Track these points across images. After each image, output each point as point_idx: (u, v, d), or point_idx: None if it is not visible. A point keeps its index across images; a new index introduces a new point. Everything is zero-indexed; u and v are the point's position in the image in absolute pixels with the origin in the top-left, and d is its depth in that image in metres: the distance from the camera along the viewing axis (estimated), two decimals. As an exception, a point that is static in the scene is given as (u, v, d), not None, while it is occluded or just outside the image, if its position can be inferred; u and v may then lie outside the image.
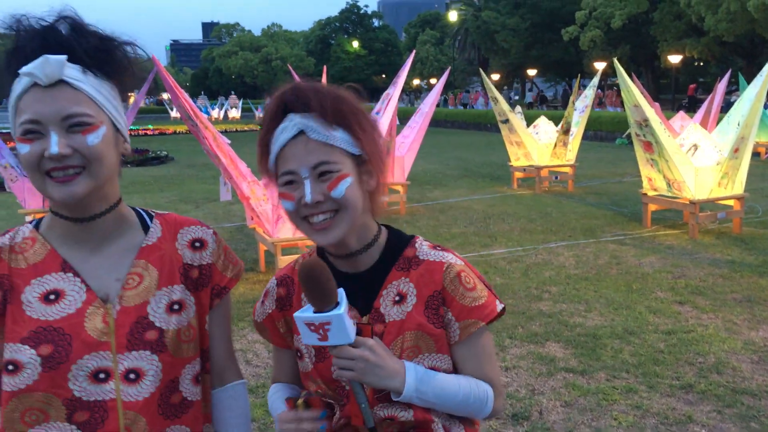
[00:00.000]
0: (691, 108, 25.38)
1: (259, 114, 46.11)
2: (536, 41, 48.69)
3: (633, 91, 7.63)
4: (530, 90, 49.66)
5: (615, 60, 8.53)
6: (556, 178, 12.10)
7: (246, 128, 34.46)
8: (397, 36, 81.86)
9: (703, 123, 10.07)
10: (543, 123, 12.57)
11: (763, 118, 14.34)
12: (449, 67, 12.16)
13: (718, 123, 9.23)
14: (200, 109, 5.95)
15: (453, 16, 59.31)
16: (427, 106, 10.58)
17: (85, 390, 1.22)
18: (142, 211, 1.38)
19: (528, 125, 12.66)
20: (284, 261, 6.02)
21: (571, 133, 11.62)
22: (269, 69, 77.51)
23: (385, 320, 1.35)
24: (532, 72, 49.39)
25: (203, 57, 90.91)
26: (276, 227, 6.17)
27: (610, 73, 32.59)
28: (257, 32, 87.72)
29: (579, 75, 15.16)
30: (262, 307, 1.48)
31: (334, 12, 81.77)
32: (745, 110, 7.58)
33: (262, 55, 78.43)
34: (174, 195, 12.26)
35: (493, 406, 1.39)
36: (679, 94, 38.82)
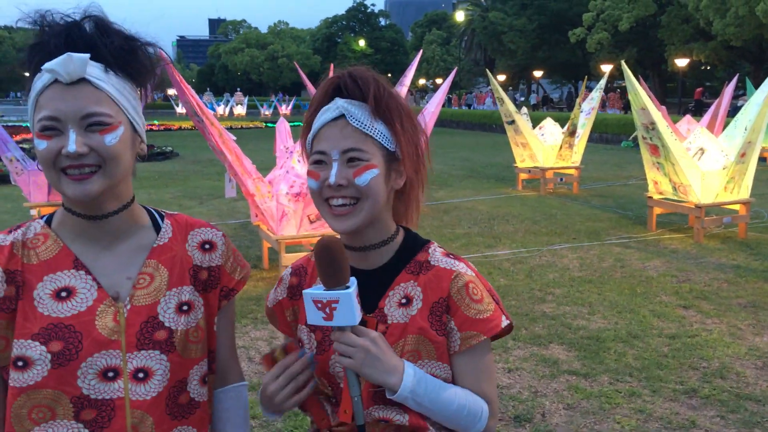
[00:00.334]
0: (698, 112, 25.31)
1: (264, 111, 46.19)
2: (543, 43, 48.65)
3: (640, 94, 7.60)
4: (534, 92, 49.57)
5: (623, 62, 8.50)
6: (561, 179, 12.07)
7: (251, 125, 34.52)
8: (403, 35, 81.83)
9: (710, 127, 10.04)
10: (549, 124, 12.56)
11: (770, 123, 14.28)
12: (455, 68, 12.14)
13: (724, 127, 9.19)
14: (206, 105, 5.95)
15: (460, 16, 59.22)
16: (433, 105, 10.56)
17: (93, 388, 1.22)
18: (153, 211, 1.39)
19: (533, 127, 12.64)
20: (288, 258, 6.02)
21: (576, 135, 11.60)
22: (275, 66, 77.58)
23: (388, 321, 1.34)
24: (538, 73, 49.35)
25: (209, 53, 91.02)
26: (280, 224, 6.16)
27: (616, 75, 32.57)
28: (264, 29, 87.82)
29: (585, 77, 15.12)
30: (274, 294, 1.49)
31: (341, 10, 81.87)
32: (752, 115, 7.54)
33: (269, 53, 78.47)
34: (178, 191, 12.28)
35: (486, 424, 1.35)
36: (685, 98, 38.71)
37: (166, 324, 1.27)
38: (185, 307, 1.31)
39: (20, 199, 9.28)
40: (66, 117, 1.16)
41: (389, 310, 1.35)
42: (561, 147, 11.55)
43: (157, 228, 1.35)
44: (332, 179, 1.28)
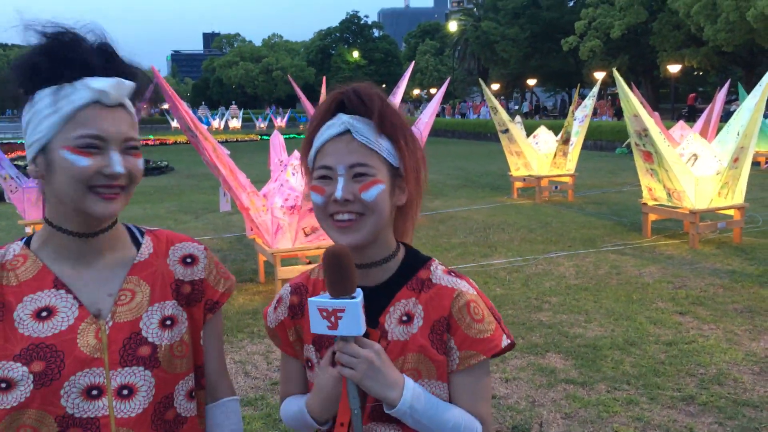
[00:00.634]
0: (691, 117, 25.43)
1: (259, 124, 46.24)
2: (536, 51, 48.87)
3: (632, 101, 7.64)
4: (526, 100, 49.72)
5: (614, 70, 8.55)
6: (556, 188, 12.10)
7: (247, 138, 34.54)
8: (397, 46, 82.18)
9: (703, 133, 10.07)
10: (543, 133, 12.60)
11: (763, 128, 14.35)
12: (449, 78, 12.19)
13: (717, 132, 9.23)
14: (201, 120, 5.95)
15: (453, 26, 59.58)
16: (427, 116, 10.59)
17: (77, 407, 1.21)
18: (133, 228, 1.40)
19: (527, 135, 12.68)
20: (284, 272, 6.01)
21: (570, 142, 11.63)
22: (270, 79, 77.77)
23: (388, 338, 1.34)
24: (531, 82, 49.54)
25: (204, 67, 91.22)
26: (275, 238, 6.15)
27: (609, 82, 32.69)
28: (258, 43, 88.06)
29: (578, 85, 15.18)
30: (275, 314, 1.47)
31: (334, 22, 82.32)
32: (744, 120, 7.58)
33: (263, 66, 78.69)
34: (174, 205, 12.26)
35: None
36: (678, 104, 38.89)
37: (150, 339, 1.27)
38: (168, 322, 1.31)
39: (15, 217, 9.26)
40: (110, 138, 1.20)
41: (390, 326, 1.34)
42: (555, 155, 11.59)
43: (137, 244, 1.36)
44: (339, 194, 1.27)
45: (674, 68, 32.85)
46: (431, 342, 1.32)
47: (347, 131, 1.29)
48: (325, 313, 1.20)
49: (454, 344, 1.33)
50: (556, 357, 4.54)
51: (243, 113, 50.19)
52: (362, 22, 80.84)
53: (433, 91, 52.95)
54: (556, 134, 12.35)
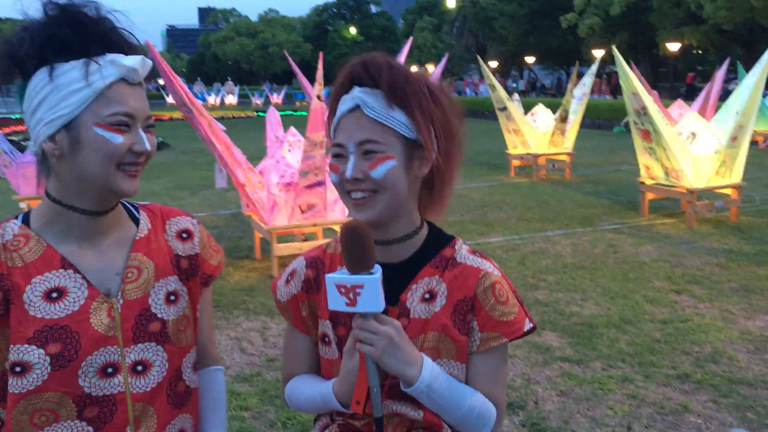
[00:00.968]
0: (690, 96, 25.31)
1: (255, 100, 45.96)
2: (534, 28, 48.46)
3: (631, 79, 7.58)
4: (521, 78, 49.42)
5: (614, 48, 8.47)
6: (554, 166, 12.07)
7: (243, 114, 34.32)
8: (394, 22, 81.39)
9: (702, 111, 10.03)
10: (541, 111, 12.53)
11: (762, 107, 14.30)
12: (447, 54, 12.06)
13: (716, 111, 9.18)
14: (197, 96, 5.88)
15: (451, 2, 58.89)
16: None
17: (94, 385, 1.22)
18: (128, 204, 1.39)
19: (524, 113, 12.61)
20: (280, 249, 5.99)
21: (568, 121, 11.58)
22: (266, 55, 77.06)
23: (410, 315, 1.32)
24: (530, 59, 49.23)
25: (200, 43, 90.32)
26: (271, 215, 6.13)
27: (608, 60, 32.49)
28: (254, 18, 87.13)
29: (577, 63, 15.07)
30: (287, 287, 1.44)
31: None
32: (743, 99, 7.54)
33: (259, 41, 77.91)
34: (169, 182, 12.21)
35: (491, 430, 1.33)
36: (677, 82, 38.72)
37: (159, 315, 1.29)
38: (172, 297, 1.33)
39: (9, 192, 9.21)
40: (138, 116, 1.22)
41: (411, 304, 1.32)
42: (553, 133, 11.53)
43: (135, 221, 1.36)
44: (348, 173, 1.25)
45: (673, 47, 32.70)
46: (453, 321, 1.30)
47: (357, 107, 1.27)
48: (343, 290, 1.17)
49: (476, 325, 1.31)
50: (552, 335, 4.55)
51: (239, 89, 49.81)
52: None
53: (430, 68, 52.58)
54: (554, 113, 12.29)
